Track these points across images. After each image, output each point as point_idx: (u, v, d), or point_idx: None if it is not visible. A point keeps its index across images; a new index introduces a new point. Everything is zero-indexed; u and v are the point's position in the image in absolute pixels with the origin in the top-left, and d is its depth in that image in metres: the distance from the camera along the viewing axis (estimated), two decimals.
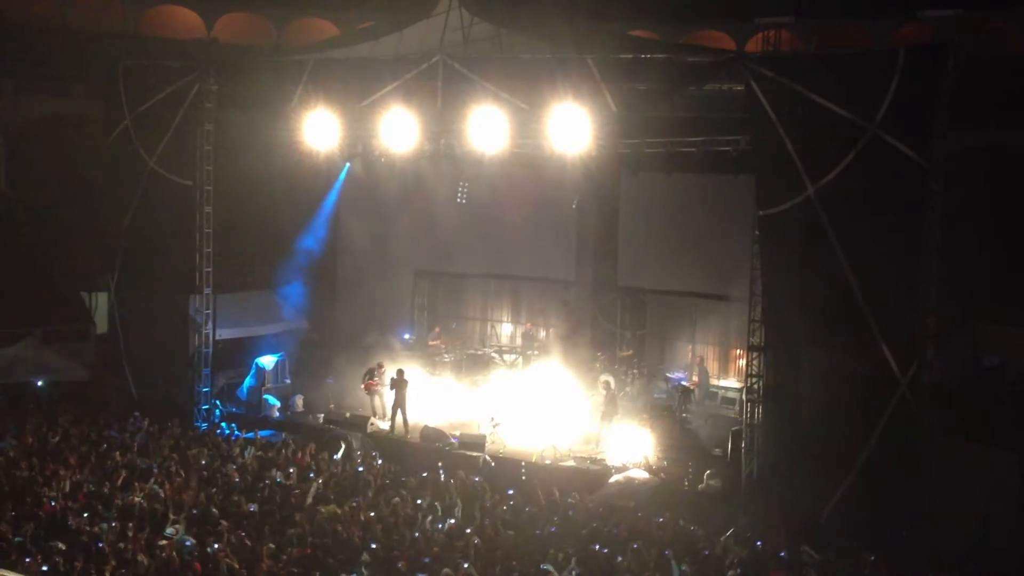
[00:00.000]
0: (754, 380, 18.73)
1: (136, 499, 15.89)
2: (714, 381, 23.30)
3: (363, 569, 13.72)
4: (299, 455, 19.25)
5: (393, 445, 21.42)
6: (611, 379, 22.21)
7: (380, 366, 23.17)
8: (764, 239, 18.28)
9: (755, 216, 18.39)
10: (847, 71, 17.81)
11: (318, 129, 21.54)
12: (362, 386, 23.00)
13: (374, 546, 14.24)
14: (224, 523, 15.02)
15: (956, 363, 20.35)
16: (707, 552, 15.05)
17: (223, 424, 22.75)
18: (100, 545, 13.81)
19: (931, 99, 16.82)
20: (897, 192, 17.12)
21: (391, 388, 22.29)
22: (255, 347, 25.07)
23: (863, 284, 17.13)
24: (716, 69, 18.93)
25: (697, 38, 32.75)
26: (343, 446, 20.77)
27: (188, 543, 14.24)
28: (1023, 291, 22.73)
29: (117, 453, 18.36)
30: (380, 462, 19.73)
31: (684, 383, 22.59)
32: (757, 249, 18.51)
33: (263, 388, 24.00)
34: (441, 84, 20.26)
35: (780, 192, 17.83)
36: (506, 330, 27.09)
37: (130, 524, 14.74)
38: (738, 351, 22.73)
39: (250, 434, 21.21)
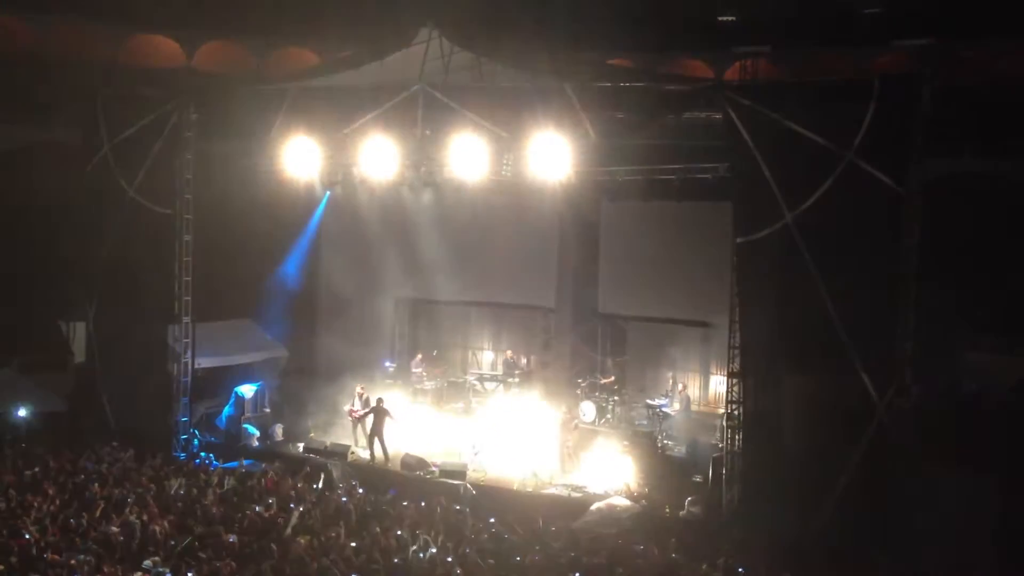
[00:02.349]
0: (734, 406, 18.77)
1: (113, 531, 15.73)
2: (695, 407, 23.31)
3: None
4: (279, 485, 19.13)
5: (374, 474, 21.33)
6: (568, 407, 22.19)
7: (361, 392, 23.14)
8: (742, 266, 18.38)
9: (733, 243, 18.51)
10: (824, 99, 18.00)
11: (299, 157, 21.58)
12: (348, 416, 22.98)
13: None
14: (202, 555, 14.89)
15: (934, 389, 20.44)
16: None
17: (202, 454, 22.60)
18: None
19: (906, 127, 17.03)
20: (874, 219, 17.28)
21: (366, 411, 22.29)
22: (234, 376, 24.95)
23: (841, 310, 17.24)
24: (694, 97, 19.10)
25: (675, 67, 32.88)
26: (323, 475, 20.68)
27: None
28: (1001, 317, 22.89)
29: (95, 484, 18.20)
30: (361, 491, 19.63)
31: (665, 409, 22.60)
32: (736, 276, 18.61)
33: (242, 417, 23.88)
34: (421, 112, 20.38)
35: (758, 219, 17.95)
36: (487, 357, 27.06)
37: (107, 556, 14.59)
38: (719, 377, 22.77)
39: (231, 463, 21.07)
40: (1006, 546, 16.78)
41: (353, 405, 22.94)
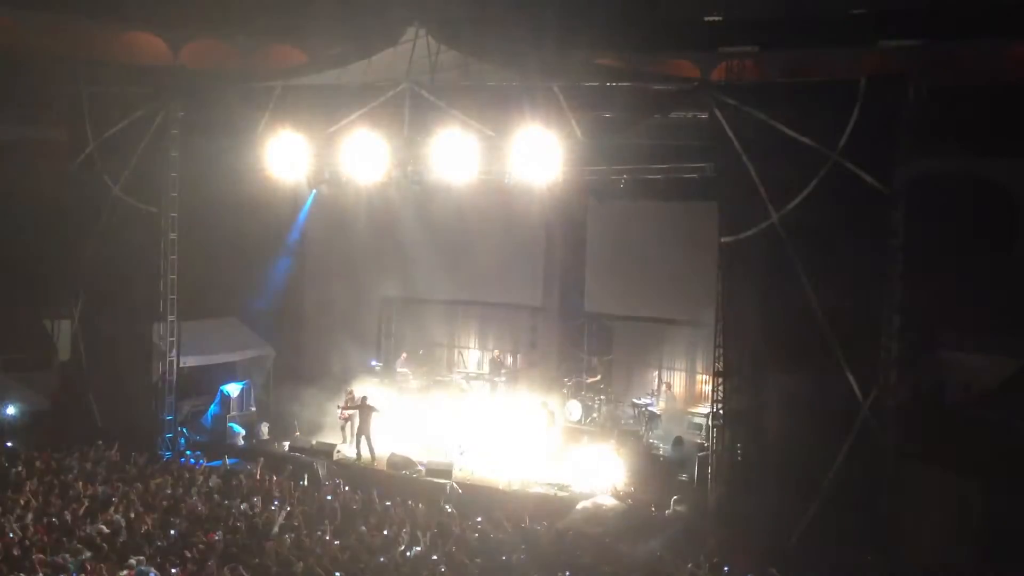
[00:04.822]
0: (720, 406, 18.82)
1: (99, 529, 15.68)
2: (681, 406, 23.35)
3: None
4: (264, 483, 19.11)
5: (360, 473, 21.32)
6: (549, 401, 22.21)
7: (351, 394, 23.17)
8: (727, 265, 18.44)
9: (718, 243, 18.56)
10: (810, 100, 18.08)
11: (285, 156, 21.52)
12: (339, 417, 23.01)
13: (339, 575, 14.14)
14: (188, 553, 14.85)
15: (919, 388, 20.53)
16: None
17: (187, 452, 22.54)
18: None
19: (892, 127, 17.15)
20: (860, 219, 17.38)
21: (352, 409, 22.34)
22: (220, 374, 24.89)
23: (826, 310, 17.33)
24: (681, 97, 19.15)
25: (662, 66, 32.88)
26: (309, 474, 20.65)
27: (151, 574, 14.07)
28: (986, 317, 22.97)
29: (80, 482, 18.13)
30: (346, 489, 19.62)
31: (651, 408, 22.65)
32: (721, 275, 18.65)
33: (228, 416, 23.83)
34: (408, 111, 20.34)
35: (744, 219, 18.03)
36: (473, 356, 27.05)
37: (93, 554, 14.54)
38: (704, 376, 22.83)
39: (216, 462, 21.02)
40: (989, 545, 16.88)
41: (346, 407, 23.00)
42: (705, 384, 22.50)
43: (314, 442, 22.40)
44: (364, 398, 22.36)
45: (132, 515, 16.39)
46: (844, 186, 17.21)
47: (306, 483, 20.06)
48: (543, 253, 25.33)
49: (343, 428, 23.02)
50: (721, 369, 18.78)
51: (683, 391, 23.93)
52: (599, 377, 24.08)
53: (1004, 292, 22.85)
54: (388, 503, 18.16)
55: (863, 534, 17.09)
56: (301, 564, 14.50)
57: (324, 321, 27.01)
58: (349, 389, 23.44)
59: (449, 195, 22.90)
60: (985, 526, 17.10)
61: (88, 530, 15.63)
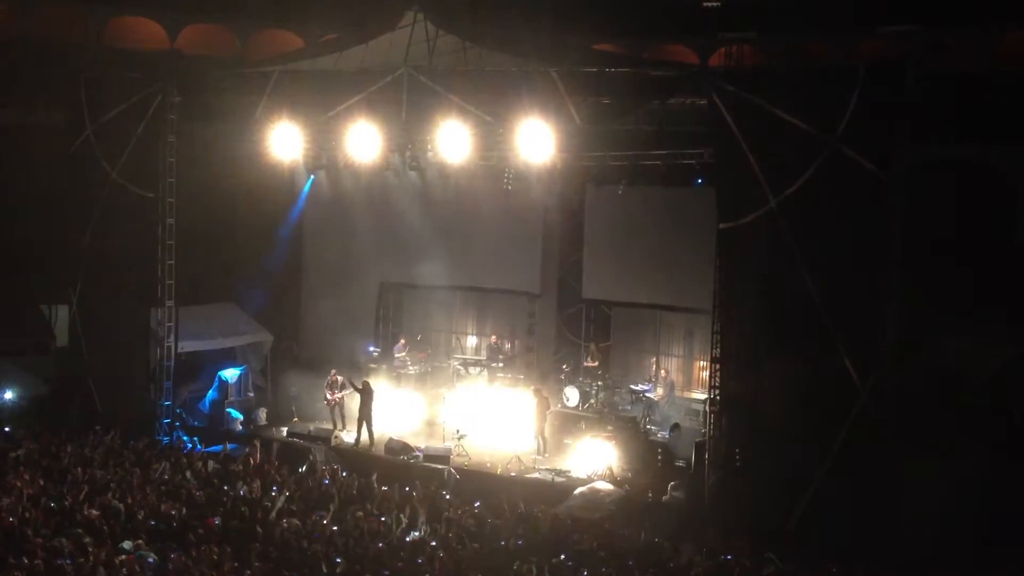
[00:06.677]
0: (717, 391, 18.82)
1: (96, 513, 15.70)
2: (678, 392, 23.39)
3: None
4: (263, 468, 19.13)
5: (358, 458, 21.35)
6: (536, 389, 22.24)
7: (335, 376, 23.18)
8: (726, 251, 18.41)
9: (716, 228, 18.54)
10: (808, 85, 18.02)
11: (282, 141, 21.50)
12: (324, 402, 23.04)
13: (338, 560, 14.16)
14: (186, 537, 14.88)
15: (916, 374, 20.54)
16: (671, 564, 15.10)
17: (185, 437, 22.57)
18: (60, 561, 13.63)
19: (890, 113, 17.08)
20: (858, 205, 17.34)
21: (345, 391, 22.40)
22: (218, 360, 24.90)
23: (824, 295, 17.31)
24: (680, 83, 19.08)
25: (661, 52, 32.87)
26: (307, 460, 20.69)
27: (150, 559, 14.09)
28: (984, 302, 23.00)
29: (78, 467, 18.15)
30: (344, 475, 19.65)
31: (649, 394, 22.68)
32: (719, 261, 18.65)
33: (226, 401, 23.86)
34: (406, 96, 20.26)
35: (742, 205, 17.98)
36: (471, 342, 27.07)
37: (91, 538, 14.56)
38: (702, 362, 22.86)
39: (216, 447, 21.04)
40: (988, 529, 16.92)
41: (332, 391, 23.00)
42: (703, 370, 22.55)
43: (312, 427, 22.45)
44: (365, 382, 22.37)
45: (130, 500, 16.41)
46: (842, 172, 17.15)
47: (304, 469, 20.08)
48: (541, 239, 25.30)
49: (332, 413, 23.06)
50: (719, 355, 18.76)
51: (681, 377, 23.96)
52: (597, 363, 24.09)
53: (1002, 278, 22.89)
54: (386, 488, 18.19)
55: (860, 519, 17.12)
56: (299, 549, 14.54)
57: (322, 307, 27.00)
58: (332, 371, 23.44)
59: (447, 181, 22.89)
60: (983, 512, 17.14)
61: (86, 514, 15.65)
